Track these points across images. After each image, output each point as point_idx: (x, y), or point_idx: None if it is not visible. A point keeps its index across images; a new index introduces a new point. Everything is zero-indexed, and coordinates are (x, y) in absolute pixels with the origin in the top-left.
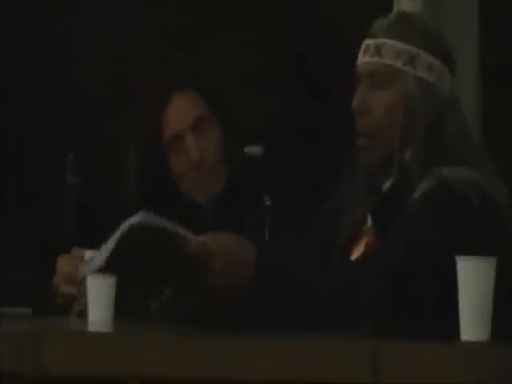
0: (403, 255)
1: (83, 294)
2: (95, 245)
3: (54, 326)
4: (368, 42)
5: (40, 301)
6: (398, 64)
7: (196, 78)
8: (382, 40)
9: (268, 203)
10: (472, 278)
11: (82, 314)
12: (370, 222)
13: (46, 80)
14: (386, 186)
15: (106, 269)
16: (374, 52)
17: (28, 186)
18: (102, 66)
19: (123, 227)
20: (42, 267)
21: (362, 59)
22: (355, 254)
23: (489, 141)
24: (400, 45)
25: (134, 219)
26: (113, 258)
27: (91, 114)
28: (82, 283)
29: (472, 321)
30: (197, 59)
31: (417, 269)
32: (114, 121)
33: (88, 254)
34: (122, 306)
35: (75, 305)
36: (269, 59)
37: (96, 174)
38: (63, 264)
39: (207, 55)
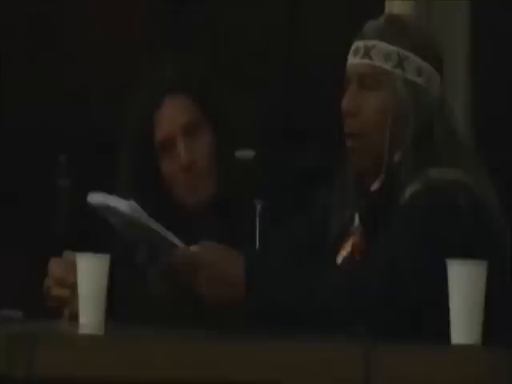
0: (392, 257)
1: (75, 296)
2: (87, 248)
3: (45, 329)
4: (358, 43)
5: (31, 304)
6: (388, 66)
7: (188, 82)
8: (371, 42)
9: (259, 207)
10: (463, 281)
11: (74, 316)
12: (357, 222)
13: (36, 82)
14: (375, 187)
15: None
16: (363, 54)
17: (18, 188)
18: (94, 69)
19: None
20: (34, 270)
21: (352, 60)
22: (342, 254)
23: (479, 142)
24: (390, 47)
25: (126, 207)
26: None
27: (82, 116)
28: (74, 286)
29: (463, 324)
30: (189, 63)
31: (406, 271)
32: (106, 123)
33: (79, 256)
34: None
35: (67, 308)
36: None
37: (87, 176)
38: (55, 267)
39: (199, 59)
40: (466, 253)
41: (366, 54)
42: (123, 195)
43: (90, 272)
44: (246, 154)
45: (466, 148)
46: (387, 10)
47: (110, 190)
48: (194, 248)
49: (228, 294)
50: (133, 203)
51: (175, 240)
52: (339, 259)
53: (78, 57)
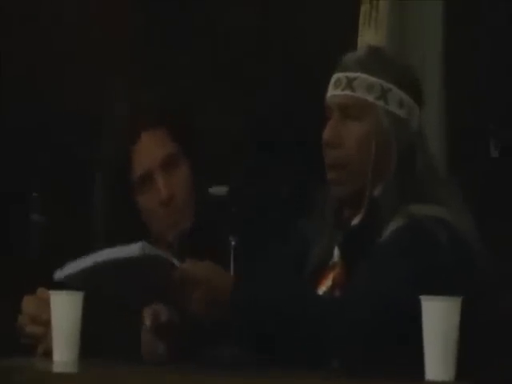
0: (374, 292)
1: (49, 333)
2: (60, 285)
3: (19, 365)
4: (339, 75)
5: (5, 341)
6: (371, 98)
7: (165, 117)
8: (354, 74)
9: (233, 243)
10: (436, 317)
11: (48, 353)
12: (336, 255)
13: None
14: (355, 221)
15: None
16: (345, 85)
17: None
18: (67, 101)
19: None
20: (7, 307)
21: (333, 92)
22: (323, 288)
23: (454, 174)
24: (372, 79)
25: (135, 251)
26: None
27: (56, 151)
28: (48, 323)
29: (436, 360)
30: (166, 97)
31: (384, 307)
32: (81, 158)
33: (53, 294)
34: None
35: (41, 345)
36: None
37: (61, 212)
38: (28, 304)
39: (177, 93)
40: (447, 290)
41: (349, 85)
42: (99, 232)
43: (63, 309)
44: (219, 189)
45: (445, 181)
46: (360, 38)
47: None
48: (185, 265)
49: (219, 308)
50: (144, 243)
51: (175, 261)
52: (320, 292)
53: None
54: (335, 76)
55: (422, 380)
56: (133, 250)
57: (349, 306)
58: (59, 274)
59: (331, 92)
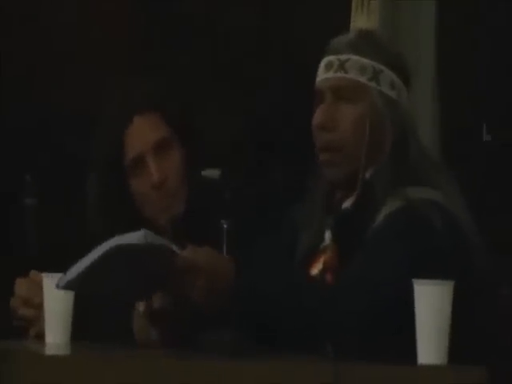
0: (368, 277)
1: (41, 316)
2: (52, 268)
3: (11, 347)
4: (330, 58)
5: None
6: (363, 79)
7: (158, 101)
8: (345, 56)
9: (225, 226)
10: (428, 301)
11: (40, 336)
12: (327, 239)
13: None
14: (347, 204)
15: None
16: (337, 67)
17: None
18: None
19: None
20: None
21: (324, 75)
22: (314, 271)
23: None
24: (364, 60)
25: (137, 239)
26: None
27: (51, 135)
28: (40, 306)
29: (428, 344)
30: (159, 81)
31: (379, 290)
32: (75, 142)
33: (45, 277)
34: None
35: (33, 327)
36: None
37: (54, 195)
38: (21, 287)
39: (170, 77)
40: (441, 274)
41: (341, 67)
42: (93, 216)
43: (56, 292)
44: (211, 172)
45: (437, 164)
46: (352, 24)
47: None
48: (186, 253)
49: (221, 295)
50: (147, 231)
51: (175, 248)
52: (312, 276)
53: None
54: (326, 59)
55: (415, 364)
56: (135, 238)
57: (343, 293)
58: (61, 282)
59: (322, 75)
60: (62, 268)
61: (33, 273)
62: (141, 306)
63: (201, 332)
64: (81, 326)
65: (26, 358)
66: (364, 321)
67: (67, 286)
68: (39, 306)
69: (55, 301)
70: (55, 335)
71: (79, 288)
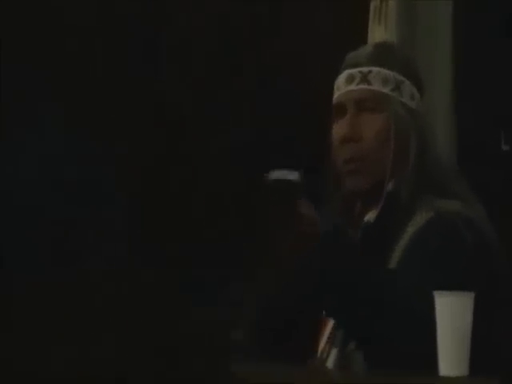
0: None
1: None
2: None
3: None
4: (350, 71)
5: None
6: (386, 90)
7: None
8: (366, 68)
9: None
10: (449, 312)
11: None
12: None
13: None
14: (369, 217)
15: None
16: (360, 80)
17: None
18: None
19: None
20: None
21: (347, 88)
22: None
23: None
24: (386, 71)
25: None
26: None
27: None
28: None
29: (450, 356)
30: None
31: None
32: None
33: None
34: None
35: None
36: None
37: None
38: None
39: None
40: (470, 285)
41: (364, 79)
42: None
43: None
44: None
45: (458, 175)
46: (370, 35)
47: None
48: (305, 202)
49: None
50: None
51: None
52: None
53: None
54: (345, 73)
55: (436, 375)
56: (292, 175)
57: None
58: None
59: (345, 88)
60: None
61: None
62: None
63: None
64: None
65: None
66: (390, 329)
67: None
68: None
69: None
70: None
71: None
